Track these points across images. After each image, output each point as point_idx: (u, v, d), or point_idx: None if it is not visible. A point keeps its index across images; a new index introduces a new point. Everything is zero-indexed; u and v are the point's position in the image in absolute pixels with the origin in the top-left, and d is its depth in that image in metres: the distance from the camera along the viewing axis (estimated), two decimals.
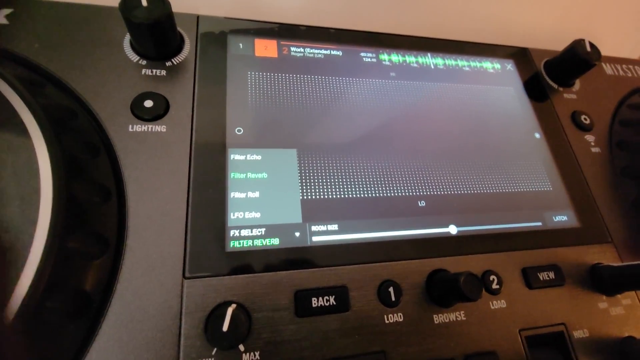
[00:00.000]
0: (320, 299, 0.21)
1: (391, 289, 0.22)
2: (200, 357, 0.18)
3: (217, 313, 0.17)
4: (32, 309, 0.15)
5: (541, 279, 0.25)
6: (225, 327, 0.16)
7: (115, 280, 0.19)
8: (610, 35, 0.51)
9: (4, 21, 0.23)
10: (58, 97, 0.22)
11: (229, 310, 0.17)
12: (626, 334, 0.25)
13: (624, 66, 0.38)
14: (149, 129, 0.23)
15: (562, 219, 0.28)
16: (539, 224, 0.27)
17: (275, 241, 0.22)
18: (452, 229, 0.25)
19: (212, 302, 0.19)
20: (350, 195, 0.24)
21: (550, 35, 0.43)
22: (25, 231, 0.16)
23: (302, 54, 0.29)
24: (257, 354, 0.19)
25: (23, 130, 0.18)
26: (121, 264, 0.19)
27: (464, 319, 0.22)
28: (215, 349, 0.18)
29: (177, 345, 0.18)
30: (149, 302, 0.19)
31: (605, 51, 0.48)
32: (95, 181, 0.20)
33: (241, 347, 0.19)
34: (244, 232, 0.22)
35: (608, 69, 0.38)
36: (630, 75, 0.38)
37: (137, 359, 0.17)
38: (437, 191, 0.26)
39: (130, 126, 0.22)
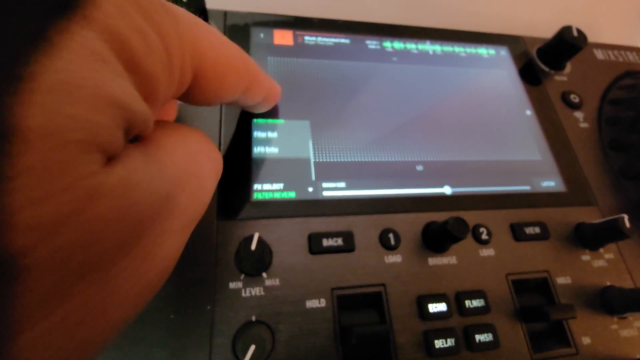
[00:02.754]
0: (330, 239, 0.24)
1: (391, 235, 0.25)
2: (232, 281, 0.22)
3: (245, 242, 0.21)
4: None
5: (527, 232, 0.28)
6: (253, 247, 0.20)
7: None
8: (610, 26, 0.53)
9: None
10: None
11: (256, 235, 0.21)
12: (608, 283, 0.27)
13: (615, 52, 0.41)
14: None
15: (550, 184, 0.31)
16: (528, 187, 0.30)
17: (292, 194, 0.26)
18: (447, 190, 0.29)
19: (241, 236, 0.23)
20: (356, 160, 0.28)
21: (553, 28, 0.46)
22: None
23: (314, 42, 0.33)
24: (277, 280, 0.23)
25: None
26: None
27: (456, 262, 0.26)
28: (243, 275, 0.22)
29: (214, 271, 0.22)
30: (191, 237, 0.23)
31: (605, 40, 0.51)
32: None
33: (264, 275, 0.23)
34: (266, 187, 0.26)
35: (599, 54, 0.40)
36: (621, 60, 0.41)
37: (183, 280, 0.22)
38: (433, 158, 0.30)
39: None
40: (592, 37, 0.50)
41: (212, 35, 0.15)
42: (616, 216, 0.26)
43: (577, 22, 0.50)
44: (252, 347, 0.18)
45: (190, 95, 0.15)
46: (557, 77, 0.37)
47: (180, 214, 0.13)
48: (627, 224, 0.26)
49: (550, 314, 0.23)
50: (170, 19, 0.12)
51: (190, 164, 0.14)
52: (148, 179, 0.10)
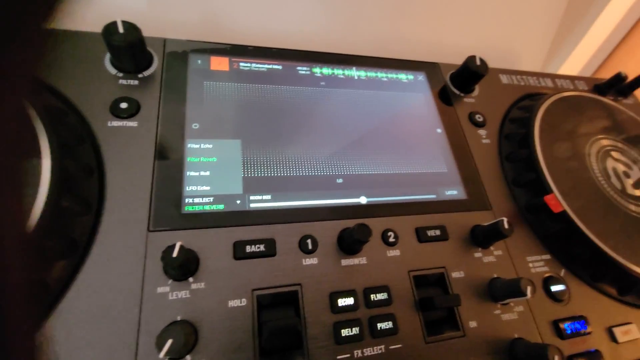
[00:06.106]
0: (253, 246, 0.28)
1: (309, 241, 0.29)
2: (160, 286, 0.25)
3: (168, 250, 0.24)
4: (37, 242, 0.22)
5: (429, 235, 0.32)
6: (174, 254, 0.23)
7: (97, 231, 0.25)
8: (526, 52, 0.61)
9: None
10: (53, 101, 0.29)
11: (178, 244, 0.23)
12: (495, 275, 0.32)
13: (518, 76, 0.48)
14: (124, 124, 0.30)
15: (453, 192, 0.36)
16: (434, 196, 0.35)
17: (221, 206, 0.29)
18: (363, 199, 0.33)
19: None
20: (282, 174, 0.32)
21: (477, 54, 0.52)
22: (31, 194, 0.23)
23: (249, 68, 0.36)
24: (202, 283, 0.25)
25: (31, 124, 0.25)
26: (101, 221, 0.26)
27: (366, 263, 0.30)
28: (170, 280, 0.25)
29: (142, 278, 0.25)
30: (122, 247, 0.25)
31: (521, 66, 0.58)
32: (81, 160, 0.26)
33: (190, 279, 0.25)
34: (197, 200, 0.29)
35: (504, 78, 0.47)
36: (523, 83, 0.47)
37: (112, 287, 0.24)
38: (352, 171, 0.34)
39: (109, 122, 0.29)
40: (508, 62, 0.58)
41: None
42: (498, 219, 0.32)
43: (498, 47, 0.57)
44: (169, 341, 0.21)
45: None
46: (466, 99, 0.43)
47: None
48: (506, 226, 0.31)
49: (437, 303, 0.27)
50: None
51: None
52: None
